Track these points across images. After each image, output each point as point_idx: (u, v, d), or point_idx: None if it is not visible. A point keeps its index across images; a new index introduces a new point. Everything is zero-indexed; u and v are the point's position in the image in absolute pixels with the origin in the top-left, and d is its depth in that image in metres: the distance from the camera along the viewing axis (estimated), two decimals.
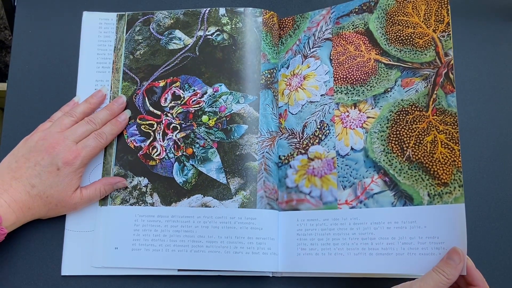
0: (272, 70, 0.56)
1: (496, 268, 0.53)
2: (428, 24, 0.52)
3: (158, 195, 0.52)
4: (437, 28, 0.52)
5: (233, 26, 0.56)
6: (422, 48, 0.52)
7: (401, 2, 0.54)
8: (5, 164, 0.49)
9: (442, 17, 0.52)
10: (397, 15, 0.54)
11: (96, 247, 0.51)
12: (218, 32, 0.56)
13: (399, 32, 0.54)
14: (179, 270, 0.51)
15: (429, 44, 0.52)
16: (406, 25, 0.54)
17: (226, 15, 0.57)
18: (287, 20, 0.59)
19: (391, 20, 0.54)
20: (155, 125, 0.54)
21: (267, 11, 0.57)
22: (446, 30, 0.52)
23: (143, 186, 0.52)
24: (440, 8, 0.52)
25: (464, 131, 0.57)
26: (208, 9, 0.57)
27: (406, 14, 0.54)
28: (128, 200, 0.52)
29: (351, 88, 0.54)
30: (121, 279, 0.51)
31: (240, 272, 0.51)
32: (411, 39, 0.53)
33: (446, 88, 0.50)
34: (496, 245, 0.54)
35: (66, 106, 0.54)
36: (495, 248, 0.54)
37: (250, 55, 0.55)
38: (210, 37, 0.56)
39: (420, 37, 0.53)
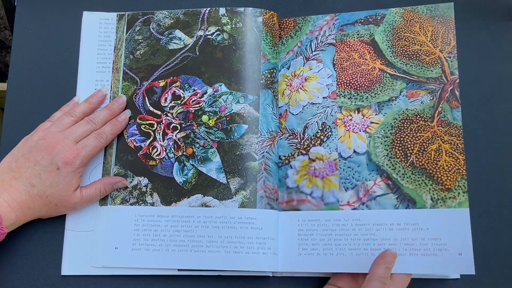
0: (272, 70, 0.56)
1: (496, 269, 0.53)
2: (435, 44, 0.54)
3: (158, 195, 0.52)
4: (443, 49, 0.53)
5: (233, 26, 0.56)
6: (428, 65, 0.53)
7: (408, 21, 0.55)
8: (5, 164, 0.49)
9: (449, 40, 0.54)
10: (404, 31, 0.55)
11: (96, 247, 0.51)
12: (218, 32, 0.56)
13: (405, 47, 0.55)
14: (179, 270, 0.51)
15: (435, 62, 0.53)
16: (413, 42, 0.55)
17: (226, 15, 0.57)
18: (287, 21, 0.59)
19: (397, 35, 0.55)
20: (155, 125, 0.54)
21: (267, 11, 0.57)
22: (452, 52, 0.53)
23: (143, 186, 0.52)
24: (447, 32, 0.54)
25: (464, 131, 0.57)
26: (208, 9, 0.57)
27: (413, 32, 0.55)
28: (128, 200, 0.52)
29: (355, 93, 0.54)
30: (121, 279, 0.51)
31: (240, 272, 0.51)
32: (418, 55, 0.54)
33: (451, 103, 0.52)
34: (499, 248, 0.53)
35: (66, 106, 0.54)
36: (497, 251, 0.53)
37: (250, 55, 0.55)
38: (210, 37, 0.56)
39: (427, 54, 0.53)
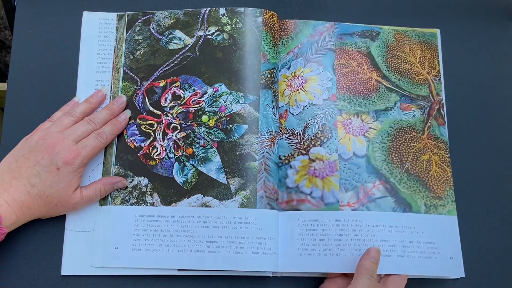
0: (272, 70, 0.56)
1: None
2: (423, 66, 0.57)
3: (158, 195, 0.52)
4: (430, 72, 0.57)
5: (233, 26, 0.56)
6: (418, 83, 0.57)
7: (400, 42, 0.58)
8: (5, 164, 0.49)
9: (434, 65, 0.58)
10: (396, 50, 0.58)
11: (96, 247, 0.51)
12: (218, 32, 0.56)
13: (397, 64, 0.57)
14: (179, 270, 0.51)
15: (423, 82, 0.57)
16: (404, 61, 0.58)
17: (226, 15, 0.57)
18: (288, 22, 0.59)
19: (391, 53, 0.58)
20: (155, 125, 0.54)
21: (267, 11, 0.57)
22: (438, 76, 0.57)
23: (143, 186, 0.52)
24: (433, 58, 0.58)
25: (462, 132, 0.58)
26: (208, 9, 0.57)
27: (404, 52, 0.58)
28: (128, 200, 0.52)
29: (354, 98, 0.56)
30: (121, 279, 0.51)
31: (240, 272, 0.51)
32: (409, 74, 0.57)
33: (438, 120, 0.56)
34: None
35: (66, 106, 0.54)
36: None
37: (250, 55, 0.55)
38: (210, 37, 0.56)
39: (416, 74, 0.57)
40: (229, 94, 0.54)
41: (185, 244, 0.50)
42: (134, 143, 0.54)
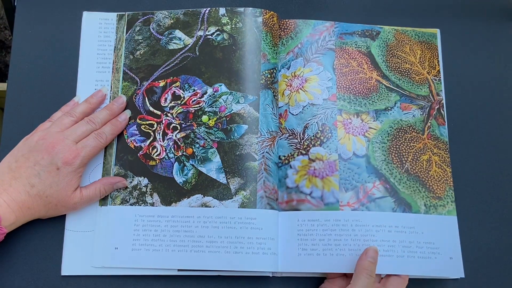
0: (272, 70, 0.56)
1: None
2: (423, 66, 0.57)
3: (158, 195, 0.52)
4: (430, 71, 0.57)
5: (233, 26, 0.56)
6: (418, 83, 0.57)
7: (400, 41, 0.58)
8: (5, 164, 0.49)
9: (434, 65, 0.58)
10: (396, 50, 0.58)
11: (96, 247, 0.51)
12: (218, 32, 0.56)
13: (398, 64, 0.57)
14: (179, 270, 0.51)
15: (424, 81, 0.57)
16: (404, 60, 0.58)
17: (226, 15, 0.57)
18: (288, 22, 0.59)
19: (391, 52, 0.58)
20: (155, 125, 0.54)
21: (267, 11, 0.57)
22: (438, 76, 0.57)
23: (143, 186, 0.52)
24: (433, 57, 0.58)
25: (461, 132, 0.58)
26: (208, 9, 0.57)
27: (404, 52, 0.58)
28: (128, 200, 0.52)
29: (354, 98, 0.56)
30: (121, 279, 0.51)
31: (240, 272, 0.51)
32: (409, 73, 0.57)
33: (438, 120, 0.56)
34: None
35: (66, 106, 0.54)
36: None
37: (250, 55, 0.55)
38: (210, 37, 0.56)
39: (416, 74, 0.57)
40: (229, 94, 0.54)
41: (185, 244, 0.50)
42: (134, 143, 0.54)
